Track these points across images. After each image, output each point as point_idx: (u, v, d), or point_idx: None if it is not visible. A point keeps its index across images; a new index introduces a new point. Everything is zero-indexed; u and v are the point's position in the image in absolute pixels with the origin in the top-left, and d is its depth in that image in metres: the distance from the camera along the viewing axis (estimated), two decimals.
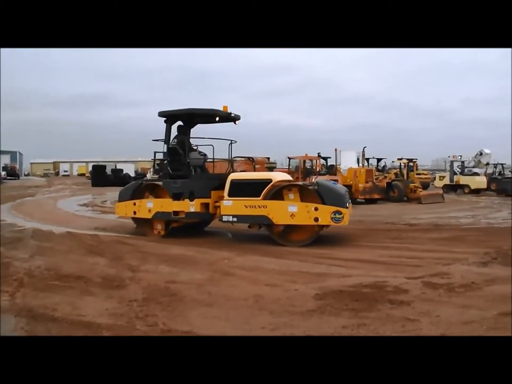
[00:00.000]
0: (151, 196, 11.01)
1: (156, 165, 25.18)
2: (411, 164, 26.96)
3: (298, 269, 7.40)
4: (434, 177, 36.89)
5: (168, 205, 10.45)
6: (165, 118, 10.97)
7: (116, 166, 43.98)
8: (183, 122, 11.26)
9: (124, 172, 43.42)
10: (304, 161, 23.78)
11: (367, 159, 27.52)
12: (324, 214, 9.22)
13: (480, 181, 30.58)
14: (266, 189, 9.63)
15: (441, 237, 10.60)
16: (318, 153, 24.84)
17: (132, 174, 44.75)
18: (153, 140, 11.15)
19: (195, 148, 11.38)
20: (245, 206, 9.67)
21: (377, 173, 25.97)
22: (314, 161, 24.66)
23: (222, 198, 10.10)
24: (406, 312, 5.09)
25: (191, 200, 10.23)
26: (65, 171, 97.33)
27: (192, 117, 11.18)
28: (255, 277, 6.83)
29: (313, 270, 7.32)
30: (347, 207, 9.46)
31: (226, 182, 10.01)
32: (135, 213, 10.90)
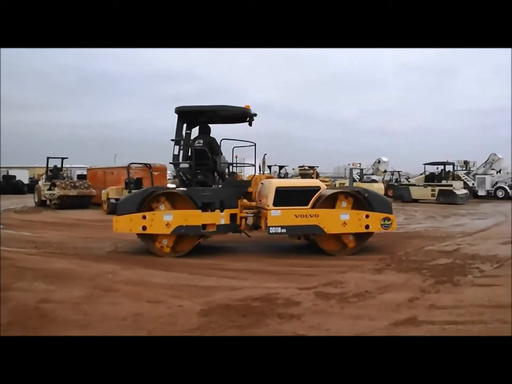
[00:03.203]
0: (167, 206, 9.39)
1: (48, 171, 24.29)
2: (311, 171, 27.57)
3: (186, 282, 7.01)
4: (335, 184, 38.11)
5: (195, 217, 9.07)
6: (180, 115, 9.79)
7: (8, 172, 40.69)
8: (201, 121, 10.13)
9: (17, 179, 40.43)
10: None
11: (269, 166, 27.77)
12: (374, 221, 9.18)
13: (378, 188, 31.87)
14: (315, 196, 9.20)
15: None
16: None
17: (26, 181, 41.69)
18: (172, 140, 9.74)
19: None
20: (295, 215, 9.03)
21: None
22: None
23: (244, 207, 9.62)
24: (296, 326, 4.87)
25: (222, 211, 9.19)
26: None
27: (217, 116, 10.12)
28: (139, 293, 6.36)
29: (201, 283, 6.95)
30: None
31: (270, 189, 9.26)
32: (144, 228, 9.06)
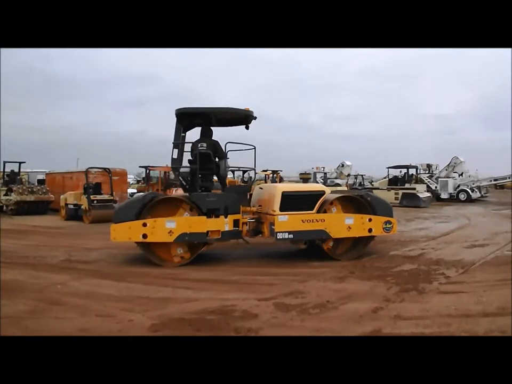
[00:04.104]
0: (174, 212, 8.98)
1: (5, 176, 23.36)
2: (274, 175, 27.38)
3: (139, 293, 6.64)
4: None
5: (200, 223, 8.71)
6: (180, 118, 9.30)
7: None
8: (201, 124, 9.66)
9: None
10: (166, 173, 22.80)
11: (233, 171, 27.45)
12: (377, 224, 9.34)
13: None
14: (319, 201, 9.16)
15: (300, 251, 10.37)
16: None
17: None
18: (172, 143, 9.25)
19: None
20: (302, 220, 8.91)
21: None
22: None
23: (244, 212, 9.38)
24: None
25: (226, 217, 8.86)
26: None
27: (218, 118, 9.58)
28: (88, 306, 6.01)
29: (155, 294, 6.60)
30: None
31: (274, 194, 9.05)
32: (145, 236, 8.60)
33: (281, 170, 29.46)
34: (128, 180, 41.47)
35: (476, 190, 32.88)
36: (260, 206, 9.64)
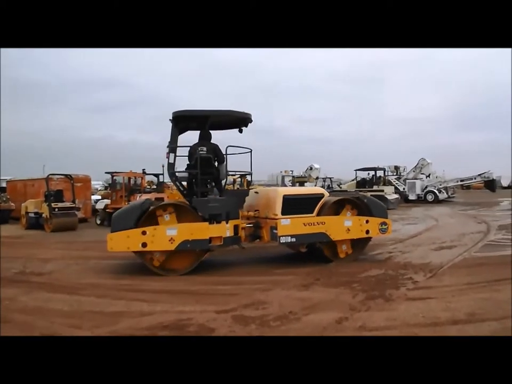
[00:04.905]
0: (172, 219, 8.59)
1: None
2: (241, 179, 27.09)
3: (91, 308, 6.26)
4: None
5: (202, 230, 8.37)
6: (177, 121, 8.89)
7: None
8: (199, 127, 9.30)
9: None
10: (129, 178, 22.34)
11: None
12: (373, 226, 9.47)
13: None
14: (319, 204, 9.20)
15: (266, 256, 10.10)
16: (143, 170, 23.61)
17: None
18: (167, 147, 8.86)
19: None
20: (304, 223, 8.88)
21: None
22: (139, 178, 23.35)
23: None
24: None
25: (227, 222, 8.59)
26: None
27: (217, 122, 9.33)
28: (33, 323, 5.62)
29: (108, 308, 6.23)
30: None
31: (275, 198, 8.99)
32: (145, 245, 8.18)
33: (250, 174, 29.20)
34: (96, 186, 40.74)
35: (443, 191, 33.40)
36: (256, 210, 9.43)
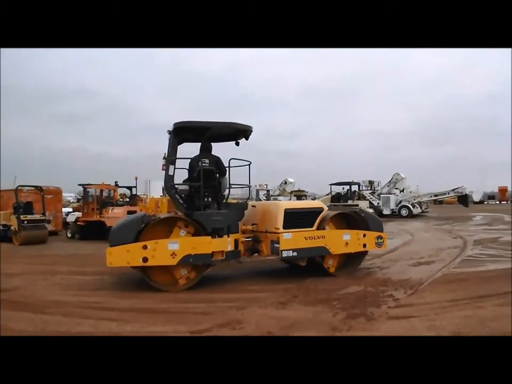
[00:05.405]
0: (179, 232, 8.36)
1: None
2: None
3: (57, 328, 5.83)
4: None
5: (205, 244, 8.15)
6: (178, 132, 8.66)
7: None
8: (200, 139, 9.06)
9: None
10: (102, 191, 21.92)
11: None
12: (370, 239, 9.64)
13: None
14: (319, 218, 9.22)
15: (241, 272, 9.78)
16: (115, 182, 23.20)
17: None
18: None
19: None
20: (305, 237, 8.86)
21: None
22: (112, 191, 22.91)
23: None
24: None
25: (228, 236, 8.45)
26: None
27: (219, 133, 9.14)
28: None
29: (74, 328, 5.81)
30: None
31: (276, 212, 8.93)
32: (145, 259, 7.83)
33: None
34: (68, 198, 39.94)
35: (417, 206, 33.72)
36: (254, 224, 9.30)
